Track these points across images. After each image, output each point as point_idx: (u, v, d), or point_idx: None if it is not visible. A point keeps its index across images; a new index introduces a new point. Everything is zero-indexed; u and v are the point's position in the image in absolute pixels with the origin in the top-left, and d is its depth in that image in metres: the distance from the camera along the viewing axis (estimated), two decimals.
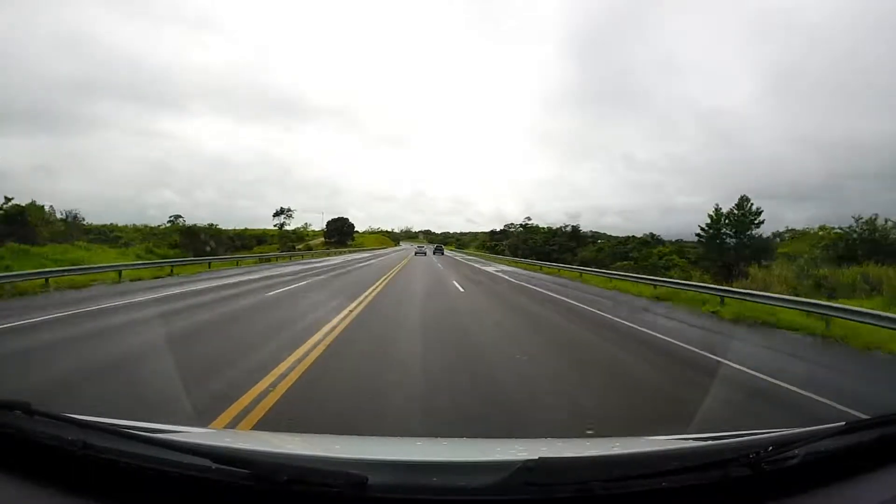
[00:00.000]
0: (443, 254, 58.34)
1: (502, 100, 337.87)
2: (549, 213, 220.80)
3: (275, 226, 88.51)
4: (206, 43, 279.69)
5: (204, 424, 3.01)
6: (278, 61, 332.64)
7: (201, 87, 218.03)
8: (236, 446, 1.16)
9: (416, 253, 51.14)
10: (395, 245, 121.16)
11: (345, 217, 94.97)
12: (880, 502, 0.90)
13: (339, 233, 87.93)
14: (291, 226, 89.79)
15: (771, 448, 0.91)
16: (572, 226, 64.78)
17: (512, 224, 78.85)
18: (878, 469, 0.95)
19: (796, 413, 4.17)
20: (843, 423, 1.01)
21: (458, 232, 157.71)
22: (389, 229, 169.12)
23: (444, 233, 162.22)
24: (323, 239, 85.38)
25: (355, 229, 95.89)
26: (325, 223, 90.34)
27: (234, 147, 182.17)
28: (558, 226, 65.68)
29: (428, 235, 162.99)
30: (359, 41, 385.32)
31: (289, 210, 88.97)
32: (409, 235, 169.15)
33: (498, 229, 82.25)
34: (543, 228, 68.02)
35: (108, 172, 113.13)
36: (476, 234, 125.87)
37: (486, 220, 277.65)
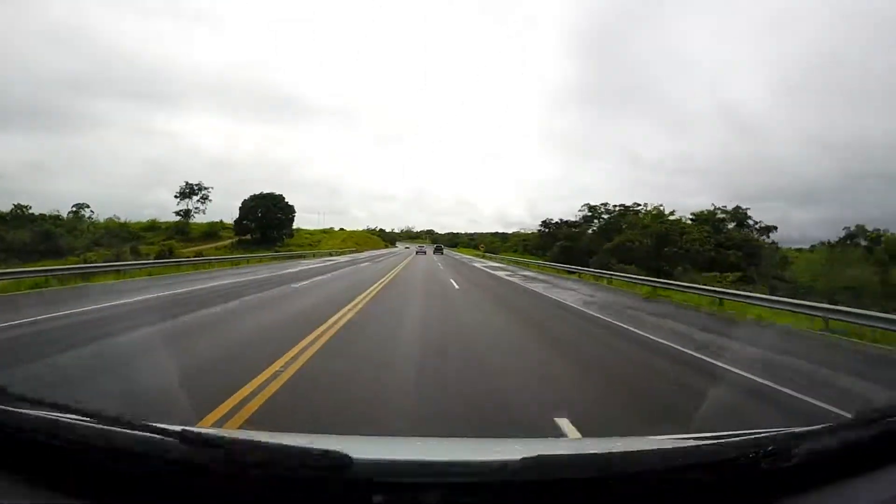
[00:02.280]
0: (442, 253, 56.51)
1: (506, 99, 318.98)
2: (554, 215, 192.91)
3: (178, 213, 53.24)
4: (204, 40, 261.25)
5: None
6: (277, 58, 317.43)
7: (199, 84, 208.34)
8: None
9: (416, 252, 51.88)
10: (387, 247, 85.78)
11: (276, 194, 53.42)
12: (880, 502, 0.89)
13: (265, 226, 50.45)
14: (208, 213, 55.05)
15: (771, 448, 0.90)
16: (735, 207, 31.41)
17: (605, 208, 45.20)
18: (877, 469, 0.94)
19: None
20: (843, 423, 1.01)
21: (467, 233, 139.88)
22: (390, 229, 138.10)
23: (449, 233, 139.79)
24: (234, 238, 49.88)
25: (294, 219, 57.69)
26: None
27: (233, 145, 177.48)
28: (707, 209, 32.11)
29: (431, 235, 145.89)
30: (361, 39, 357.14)
31: (201, 188, 53.92)
32: (410, 235, 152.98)
33: (558, 220, 49.53)
34: (673, 218, 33.56)
35: (103, 170, 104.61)
36: (507, 235, 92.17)
37: (488, 220, 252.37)
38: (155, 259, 23.47)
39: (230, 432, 2.05)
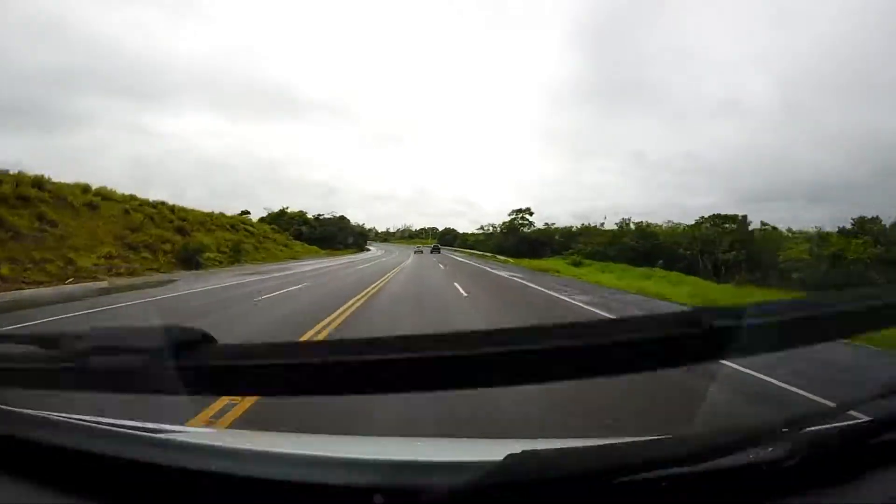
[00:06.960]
0: (439, 252, 56.18)
1: (507, 97, 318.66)
2: (557, 216, 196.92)
3: None
4: (197, 35, 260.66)
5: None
6: (272, 53, 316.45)
7: (191, 81, 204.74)
8: (235, 446, 1.15)
9: (415, 252, 52.30)
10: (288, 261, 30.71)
11: None
12: (885, 501, 0.89)
13: None
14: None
15: (771, 448, 0.89)
16: None
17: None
18: (877, 469, 0.94)
19: None
20: (844, 423, 1.00)
21: (470, 233, 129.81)
22: (384, 228, 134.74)
23: (453, 232, 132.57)
24: None
25: None
26: None
27: (227, 144, 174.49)
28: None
29: (433, 233, 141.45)
30: (360, 38, 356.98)
31: None
32: (409, 233, 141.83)
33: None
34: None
35: (93, 169, 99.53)
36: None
37: (490, 221, 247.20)
38: None
39: (248, 437, 1.96)
